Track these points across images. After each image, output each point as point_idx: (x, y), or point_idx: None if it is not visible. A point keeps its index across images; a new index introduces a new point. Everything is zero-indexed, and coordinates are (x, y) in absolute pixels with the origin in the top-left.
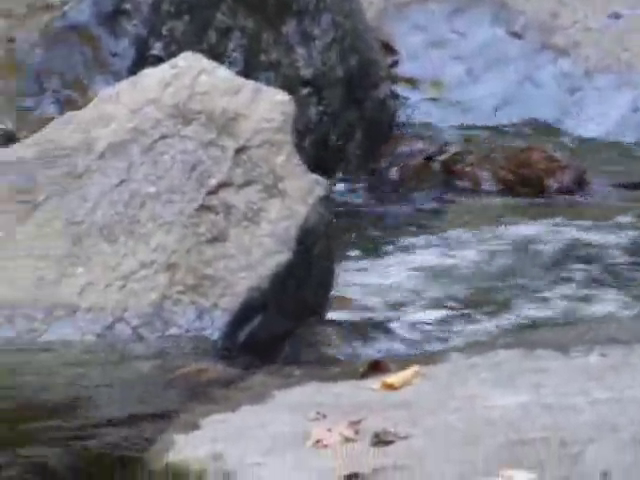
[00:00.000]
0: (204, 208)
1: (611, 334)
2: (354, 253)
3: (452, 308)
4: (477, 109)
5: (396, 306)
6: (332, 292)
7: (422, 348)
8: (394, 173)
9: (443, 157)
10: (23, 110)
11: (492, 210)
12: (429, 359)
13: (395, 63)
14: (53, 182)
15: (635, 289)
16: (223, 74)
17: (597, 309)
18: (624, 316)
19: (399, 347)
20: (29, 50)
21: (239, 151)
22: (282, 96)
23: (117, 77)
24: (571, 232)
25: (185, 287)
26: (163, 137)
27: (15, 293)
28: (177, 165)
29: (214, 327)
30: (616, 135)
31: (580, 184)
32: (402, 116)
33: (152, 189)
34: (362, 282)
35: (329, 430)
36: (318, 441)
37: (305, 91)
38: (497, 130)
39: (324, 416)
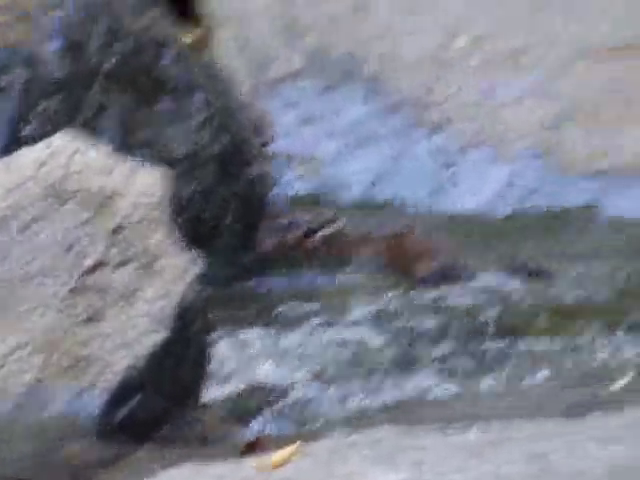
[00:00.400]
0: (80, 288)
1: (490, 409)
2: (229, 329)
3: (332, 384)
4: (352, 185)
5: (275, 382)
6: (209, 369)
7: (302, 425)
8: (269, 247)
9: (323, 233)
10: None
11: (363, 291)
12: (309, 436)
13: (268, 140)
14: None
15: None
16: (98, 153)
17: (474, 384)
18: (503, 391)
19: (279, 425)
20: None
21: (115, 230)
22: (158, 173)
23: None
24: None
25: (61, 368)
26: (38, 217)
27: None
28: (52, 245)
29: (91, 407)
30: (492, 210)
31: (452, 271)
32: (276, 193)
33: (27, 269)
34: (238, 357)
35: None
36: None
37: (179, 169)
38: (373, 207)
39: None
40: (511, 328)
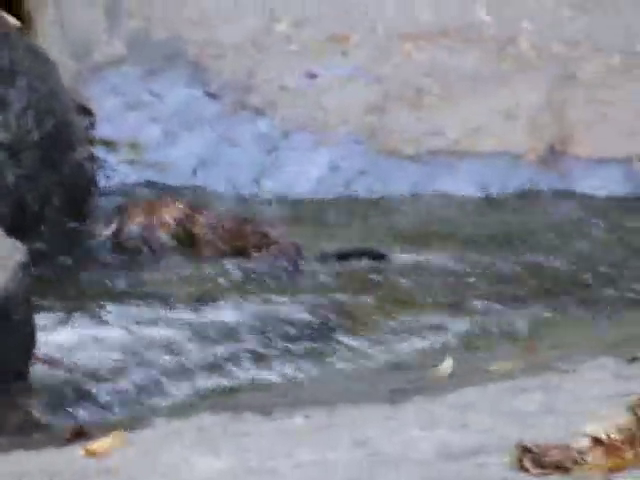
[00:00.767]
0: None
1: (314, 395)
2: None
3: (159, 372)
4: (175, 170)
5: (101, 370)
6: (34, 356)
7: (127, 413)
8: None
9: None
10: None
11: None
12: (134, 424)
13: (92, 125)
14: None
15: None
16: None
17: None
18: (327, 377)
19: (104, 412)
20: None
21: None
22: None
23: None
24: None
25: None
26: None
27: None
28: None
29: None
30: (315, 194)
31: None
32: (100, 178)
33: None
34: (66, 344)
35: None
36: None
37: (1, 155)
38: (197, 192)
39: None
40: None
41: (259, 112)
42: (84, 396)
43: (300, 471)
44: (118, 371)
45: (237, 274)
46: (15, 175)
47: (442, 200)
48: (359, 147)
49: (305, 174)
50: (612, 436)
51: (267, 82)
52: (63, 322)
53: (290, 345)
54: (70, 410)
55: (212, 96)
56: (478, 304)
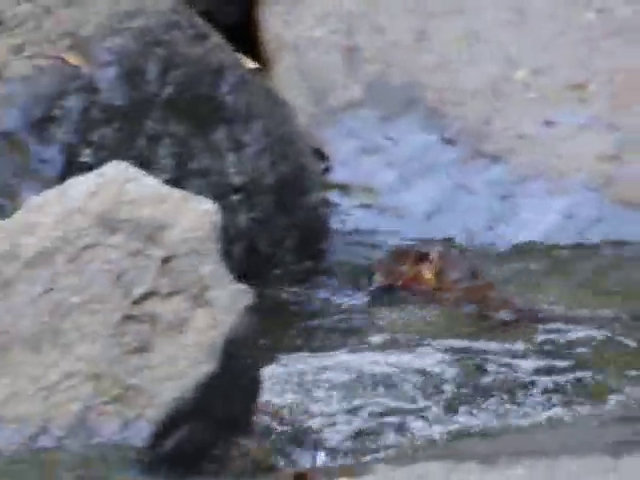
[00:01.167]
0: (129, 318)
1: (536, 445)
2: (285, 357)
3: (383, 418)
4: (409, 216)
5: (326, 415)
6: (260, 400)
7: (350, 459)
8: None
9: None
10: None
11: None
12: (353, 471)
13: (327, 170)
14: None
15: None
16: (150, 183)
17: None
18: (549, 425)
19: (327, 458)
20: None
21: (165, 260)
22: (209, 205)
23: (46, 184)
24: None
25: (109, 397)
26: (88, 246)
27: None
28: (102, 274)
29: (138, 437)
30: (552, 242)
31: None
32: (334, 222)
33: (77, 299)
34: (293, 388)
35: None
36: None
37: (235, 198)
38: (431, 239)
39: None
40: None
41: (495, 159)
42: (310, 440)
43: None
44: (345, 414)
45: None
46: (249, 218)
47: None
48: (594, 194)
49: (539, 222)
50: None
51: (504, 129)
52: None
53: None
54: (293, 455)
55: (448, 142)
56: None
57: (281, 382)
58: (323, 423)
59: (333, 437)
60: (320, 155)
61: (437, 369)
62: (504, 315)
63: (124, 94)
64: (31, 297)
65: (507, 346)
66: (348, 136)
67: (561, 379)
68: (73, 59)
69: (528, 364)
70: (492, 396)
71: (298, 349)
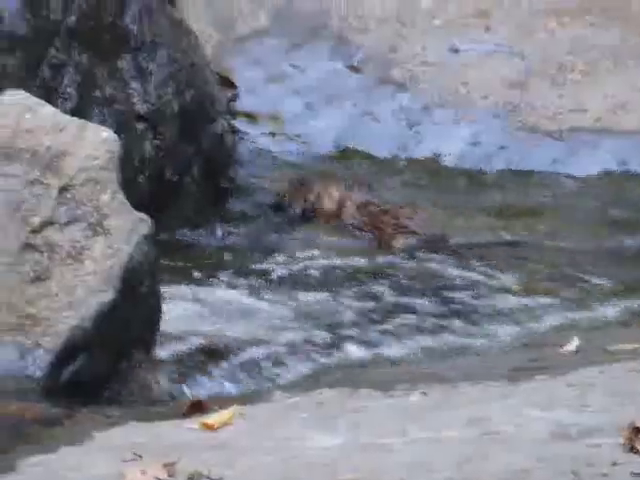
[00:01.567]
0: (27, 247)
1: (435, 372)
2: (188, 287)
3: (281, 346)
4: (316, 143)
5: (224, 344)
6: (159, 329)
7: (247, 387)
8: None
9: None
10: None
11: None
12: (251, 398)
13: (234, 97)
14: None
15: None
16: (48, 111)
17: (420, 348)
18: (446, 353)
19: (224, 386)
20: None
21: (63, 189)
22: (107, 133)
23: None
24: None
25: (7, 326)
26: None
27: None
28: (0, 204)
29: (36, 366)
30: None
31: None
32: (241, 150)
33: None
34: (192, 317)
35: (143, 472)
36: None
37: (141, 126)
38: (337, 165)
39: (140, 457)
40: None
41: (401, 86)
42: (208, 369)
43: (412, 448)
44: (245, 342)
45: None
46: (154, 146)
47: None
48: (500, 122)
49: (445, 149)
50: None
51: (410, 57)
52: (189, 292)
53: (416, 322)
54: (190, 383)
55: (354, 70)
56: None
57: (179, 310)
58: (221, 352)
59: (231, 365)
60: (227, 83)
61: (342, 301)
62: (403, 241)
63: (27, 22)
64: None
65: (401, 274)
66: (255, 64)
67: (457, 307)
68: None
69: (420, 292)
70: (387, 324)
71: (199, 278)
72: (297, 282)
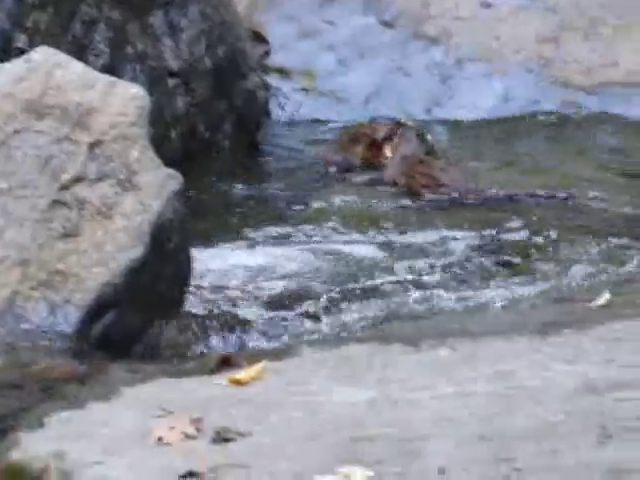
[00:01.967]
0: (57, 203)
1: (463, 327)
2: (219, 243)
3: (310, 302)
4: (349, 99)
5: (254, 299)
6: (189, 285)
7: (276, 342)
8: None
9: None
10: None
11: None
12: (280, 354)
13: (266, 53)
14: None
15: (485, 283)
16: (78, 68)
17: (450, 302)
18: (476, 308)
19: (254, 341)
20: None
21: (93, 146)
22: (137, 90)
23: None
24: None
25: (37, 282)
26: (16, 132)
27: None
28: (30, 160)
29: (66, 323)
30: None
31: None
32: (273, 106)
33: (4, 184)
34: (223, 273)
35: (171, 427)
36: (160, 439)
37: (172, 82)
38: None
39: (169, 413)
40: None
41: (433, 41)
42: (237, 324)
43: (441, 403)
44: (274, 298)
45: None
46: (186, 103)
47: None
48: (531, 76)
49: (477, 103)
50: None
51: (442, 12)
52: (225, 247)
53: (446, 276)
54: (222, 339)
55: (387, 25)
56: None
57: (209, 267)
58: (249, 309)
59: (259, 322)
60: (259, 39)
61: (370, 255)
62: (448, 195)
63: None
64: None
65: (443, 229)
66: (287, 19)
67: (491, 262)
68: None
69: (460, 245)
70: (422, 280)
71: (231, 236)
72: (328, 236)
